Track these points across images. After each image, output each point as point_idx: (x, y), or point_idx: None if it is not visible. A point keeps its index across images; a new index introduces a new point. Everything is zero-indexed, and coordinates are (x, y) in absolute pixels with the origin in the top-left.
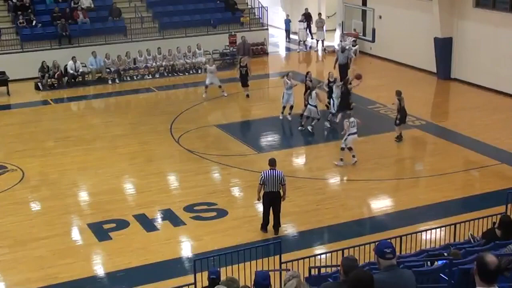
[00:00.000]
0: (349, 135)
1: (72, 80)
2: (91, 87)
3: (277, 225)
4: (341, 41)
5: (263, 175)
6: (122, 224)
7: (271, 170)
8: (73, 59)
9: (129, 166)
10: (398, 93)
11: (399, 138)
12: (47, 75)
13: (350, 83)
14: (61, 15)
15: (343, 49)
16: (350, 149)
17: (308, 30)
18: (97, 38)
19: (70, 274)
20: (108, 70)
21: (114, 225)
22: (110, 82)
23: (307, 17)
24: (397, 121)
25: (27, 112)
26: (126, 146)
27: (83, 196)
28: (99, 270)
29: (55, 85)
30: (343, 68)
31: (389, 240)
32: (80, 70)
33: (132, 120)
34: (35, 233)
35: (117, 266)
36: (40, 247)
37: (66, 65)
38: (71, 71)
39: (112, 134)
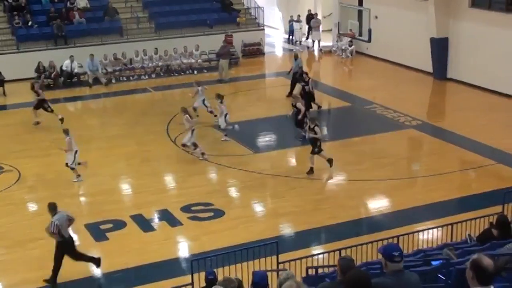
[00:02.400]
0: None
1: (68, 80)
2: (87, 88)
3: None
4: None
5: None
6: (119, 225)
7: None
8: (71, 58)
9: (126, 167)
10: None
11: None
12: (43, 75)
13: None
14: (57, 15)
15: (296, 56)
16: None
17: (310, 31)
18: (93, 38)
19: (67, 274)
20: (104, 71)
21: (111, 225)
22: (106, 82)
23: (308, 18)
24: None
25: (24, 113)
26: (123, 147)
27: (80, 196)
28: (96, 270)
29: (51, 85)
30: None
31: (385, 242)
32: (75, 70)
33: (128, 120)
34: (32, 233)
35: (114, 266)
36: (38, 248)
37: (63, 63)
38: (67, 69)
39: (109, 135)
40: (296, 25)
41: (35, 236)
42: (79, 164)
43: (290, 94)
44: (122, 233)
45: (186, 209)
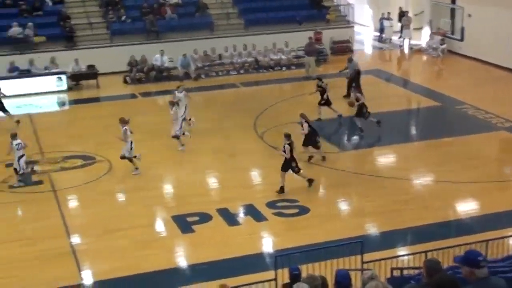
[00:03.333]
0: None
1: (159, 74)
2: (177, 82)
3: None
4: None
5: None
6: (205, 218)
7: None
8: (161, 52)
9: (213, 160)
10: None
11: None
12: (135, 69)
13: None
14: (149, 10)
15: (350, 60)
16: None
17: (401, 29)
18: (184, 33)
19: (153, 264)
20: (195, 66)
21: (197, 218)
22: (195, 77)
23: (400, 16)
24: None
25: (115, 105)
26: (211, 141)
27: (168, 188)
28: (182, 262)
29: (143, 79)
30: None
31: (474, 246)
32: (165, 65)
33: (216, 115)
34: (120, 223)
35: (199, 258)
36: (125, 238)
37: (154, 56)
38: (157, 63)
39: (197, 129)
40: (386, 23)
41: (122, 226)
42: (134, 157)
43: (347, 95)
44: (207, 226)
45: (271, 204)
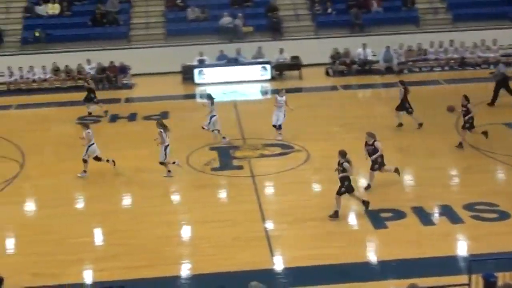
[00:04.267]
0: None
1: (361, 67)
2: (378, 76)
3: None
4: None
5: None
6: (398, 215)
7: None
8: (363, 45)
9: (409, 158)
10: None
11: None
12: (337, 61)
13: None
14: (355, 3)
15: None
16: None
17: None
18: (389, 27)
19: (342, 257)
20: (398, 61)
21: (390, 214)
22: (397, 72)
23: None
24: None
25: (316, 96)
26: (406, 138)
27: (361, 183)
28: (371, 257)
29: (345, 72)
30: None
31: None
32: (368, 57)
33: (415, 111)
34: (312, 213)
35: (390, 255)
36: (317, 227)
37: (357, 50)
38: (359, 57)
39: (393, 125)
40: None
41: (315, 216)
42: (173, 163)
43: (492, 103)
44: (401, 224)
45: (469, 207)
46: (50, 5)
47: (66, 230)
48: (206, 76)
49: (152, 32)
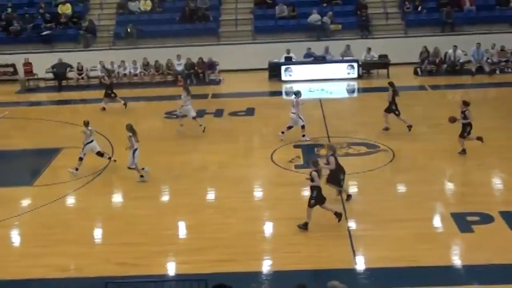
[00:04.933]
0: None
1: (451, 67)
2: (469, 77)
3: None
4: None
5: None
6: (486, 219)
7: None
8: (454, 48)
9: (499, 161)
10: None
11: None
12: (426, 61)
13: None
14: (447, 2)
15: None
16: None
17: None
18: (482, 26)
19: (425, 259)
20: (490, 61)
21: (477, 218)
22: (489, 72)
23: None
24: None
25: (404, 96)
26: (496, 140)
27: (449, 184)
28: (456, 260)
29: (434, 71)
30: None
31: None
32: (461, 60)
33: (505, 113)
34: (397, 214)
35: (476, 260)
36: (401, 229)
37: (446, 52)
38: (450, 57)
39: (482, 127)
40: None
41: (400, 218)
42: (142, 169)
43: None
44: (488, 228)
45: None
46: (142, 1)
47: (152, 222)
48: (293, 74)
49: (240, 29)
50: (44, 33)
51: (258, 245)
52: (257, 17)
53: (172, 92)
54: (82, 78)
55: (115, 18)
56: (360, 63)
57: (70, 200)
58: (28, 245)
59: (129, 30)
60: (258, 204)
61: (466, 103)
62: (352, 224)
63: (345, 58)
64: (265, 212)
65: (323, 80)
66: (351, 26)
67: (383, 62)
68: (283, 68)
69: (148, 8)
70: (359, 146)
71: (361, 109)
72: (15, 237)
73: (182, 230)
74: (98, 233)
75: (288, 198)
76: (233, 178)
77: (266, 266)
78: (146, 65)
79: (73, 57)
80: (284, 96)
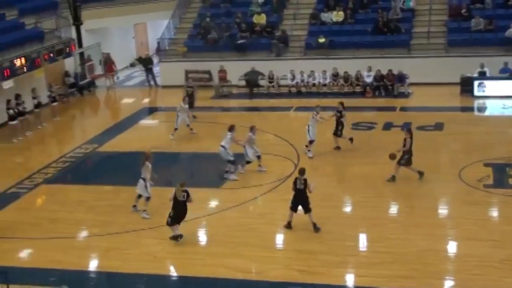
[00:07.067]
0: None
1: None
2: None
3: None
4: None
5: None
6: None
7: None
8: None
9: None
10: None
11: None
12: None
13: None
14: None
15: None
16: None
17: None
18: None
19: None
20: None
21: None
22: None
23: None
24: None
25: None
26: None
27: None
28: None
29: None
30: None
31: None
32: None
33: None
34: None
35: None
36: None
37: None
38: None
39: None
40: None
41: None
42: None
43: None
44: None
45: None
46: (335, 12)
47: (334, 232)
48: (486, 89)
49: (432, 41)
50: (239, 41)
51: (440, 264)
52: (450, 30)
53: (360, 103)
54: (273, 86)
55: (308, 28)
56: None
57: (255, 205)
58: (213, 244)
59: (322, 40)
60: (442, 221)
61: (409, 131)
62: None
63: None
64: (449, 230)
65: None
66: None
67: None
68: (476, 83)
69: (340, 19)
70: None
71: None
72: (202, 236)
73: (363, 242)
74: (280, 239)
75: (474, 218)
76: (417, 193)
77: (447, 287)
78: (335, 76)
79: (265, 66)
80: (475, 112)
